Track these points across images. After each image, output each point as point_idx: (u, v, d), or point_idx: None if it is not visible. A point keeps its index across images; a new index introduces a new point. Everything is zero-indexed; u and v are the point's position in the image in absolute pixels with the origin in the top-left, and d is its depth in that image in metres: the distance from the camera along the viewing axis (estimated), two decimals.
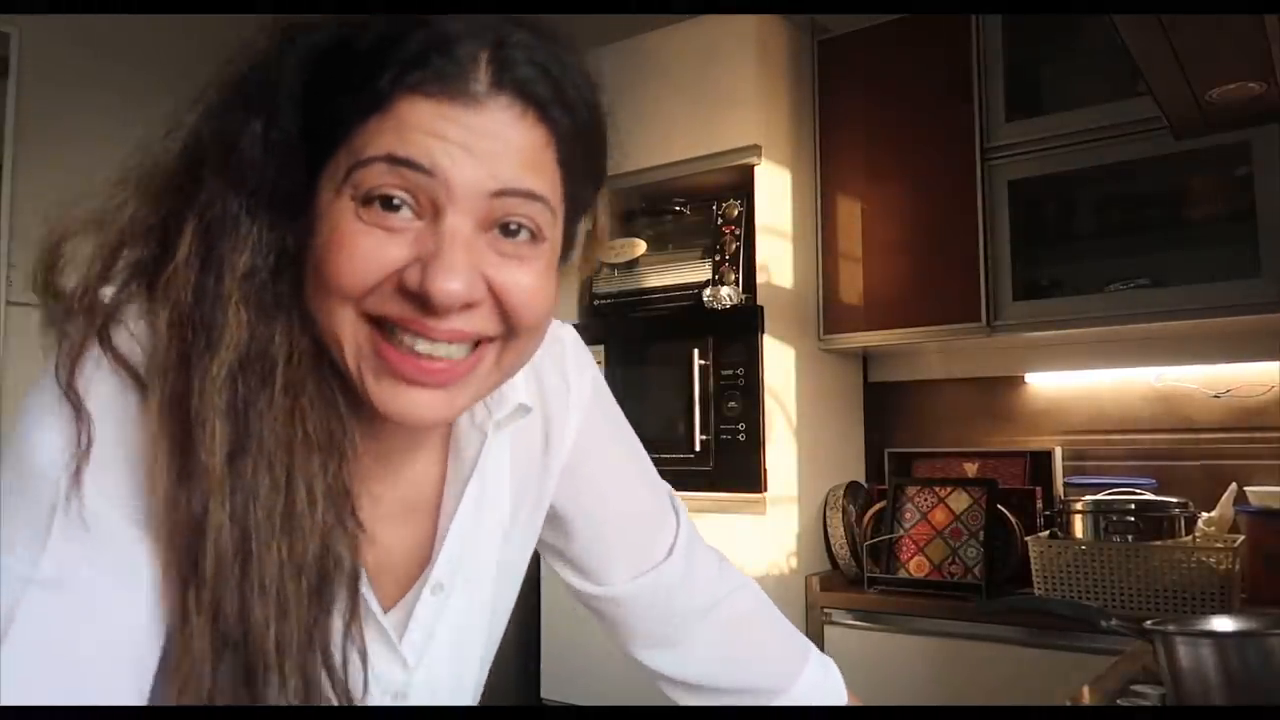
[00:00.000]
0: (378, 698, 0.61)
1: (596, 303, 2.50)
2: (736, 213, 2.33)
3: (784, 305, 2.30)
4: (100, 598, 0.49)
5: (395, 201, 0.51)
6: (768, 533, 2.16)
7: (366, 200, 0.51)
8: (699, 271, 2.35)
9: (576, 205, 0.59)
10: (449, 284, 0.50)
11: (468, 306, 0.53)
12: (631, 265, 2.45)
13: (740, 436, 2.17)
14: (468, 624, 0.68)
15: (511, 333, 0.55)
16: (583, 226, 0.63)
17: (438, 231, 0.51)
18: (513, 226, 0.53)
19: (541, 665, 2.41)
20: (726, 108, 2.29)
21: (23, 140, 2.42)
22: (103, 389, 0.50)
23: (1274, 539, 1.83)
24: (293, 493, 0.51)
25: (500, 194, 0.52)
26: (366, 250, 0.51)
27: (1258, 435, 2.12)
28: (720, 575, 0.84)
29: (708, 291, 2.25)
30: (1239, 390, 2.15)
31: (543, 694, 2.41)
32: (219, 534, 0.49)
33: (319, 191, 0.53)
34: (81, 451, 0.48)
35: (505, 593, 0.73)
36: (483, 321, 0.54)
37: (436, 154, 0.50)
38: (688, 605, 0.81)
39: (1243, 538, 1.86)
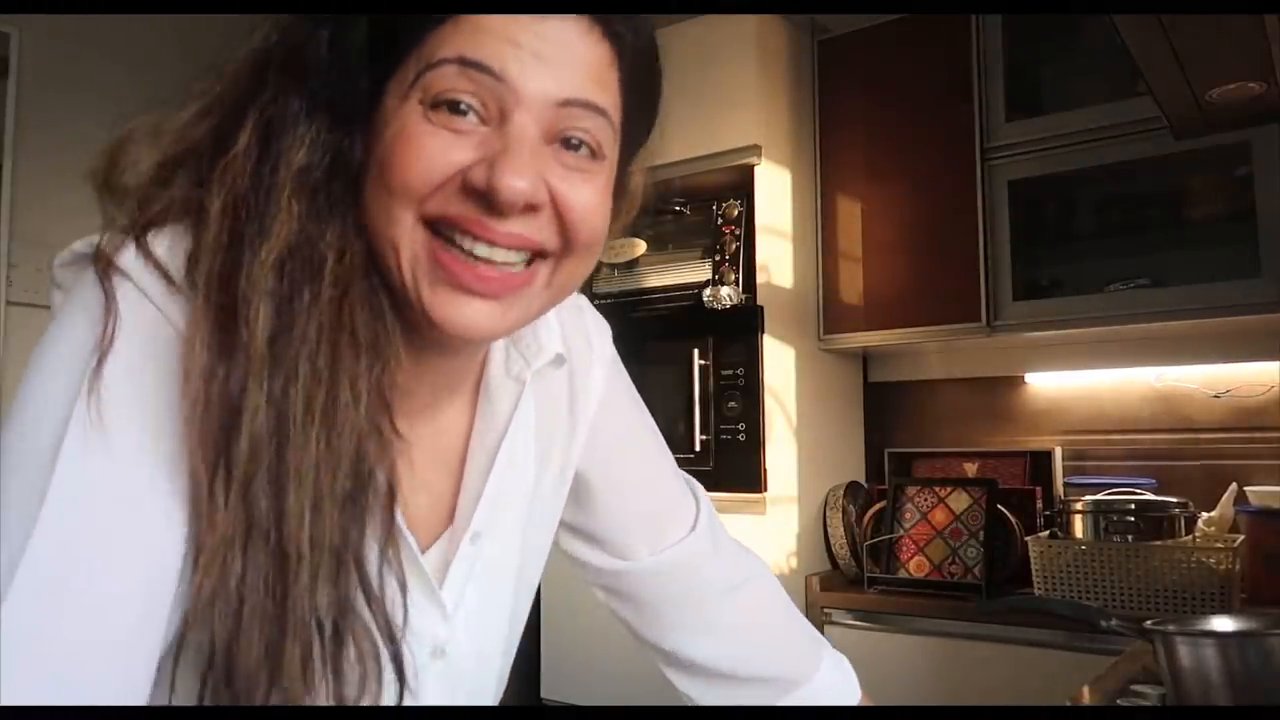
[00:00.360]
0: (418, 651, 0.60)
1: (596, 303, 2.47)
2: (736, 213, 2.33)
3: (784, 305, 2.30)
4: (116, 506, 0.47)
5: (462, 106, 0.51)
6: (768, 533, 2.16)
7: (435, 104, 0.51)
8: (699, 271, 2.36)
9: (633, 136, 0.60)
10: (516, 181, 0.51)
11: (530, 209, 0.53)
12: (631, 265, 2.45)
13: (740, 436, 2.17)
14: (496, 582, 0.67)
15: (567, 248, 0.56)
16: (632, 180, 0.63)
17: (505, 133, 0.52)
18: (575, 141, 0.54)
19: (541, 665, 2.42)
20: (726, 108, 2.29)
21: (22, 140, 2.42)
22: (133, 287, 0.50)
23: (1274, 539, 1.83)
24: (335, 386, 0.50)
25: (567, 103, 0.53)
26: (433, 149, 0.51)
27: (1258, 435, 2.12)
28: (742, 559, 0.84)
29: (708, 291, 2.25)
30: (1239, 390, 2.15)
31: (543, 694, 2.41)
32: (255, 415, 0.48)
33: (385, 98, 0.53)
34: (106, 344, 0.47)
35: (529, 566, 0.72)
36: (541, 230, 0.54)
37: (508, 59, 0.51)
38: (710, 585, 0.80)
39: (1243, 538, 1.86)
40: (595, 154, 0.55)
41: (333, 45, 0.53)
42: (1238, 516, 1.93)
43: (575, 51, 0.53)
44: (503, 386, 0.66)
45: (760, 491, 2.15)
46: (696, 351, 2.22)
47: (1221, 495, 1.97)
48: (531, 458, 0.69)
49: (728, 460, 2.18)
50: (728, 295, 2.23)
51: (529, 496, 0.69)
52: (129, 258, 0.50)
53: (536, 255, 0.55)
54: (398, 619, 0.53)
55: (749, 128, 2.27)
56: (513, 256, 0.54)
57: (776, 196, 2.33)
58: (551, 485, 0.73)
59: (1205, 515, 1.94)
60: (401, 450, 0.55)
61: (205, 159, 0.53)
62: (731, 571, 0.82)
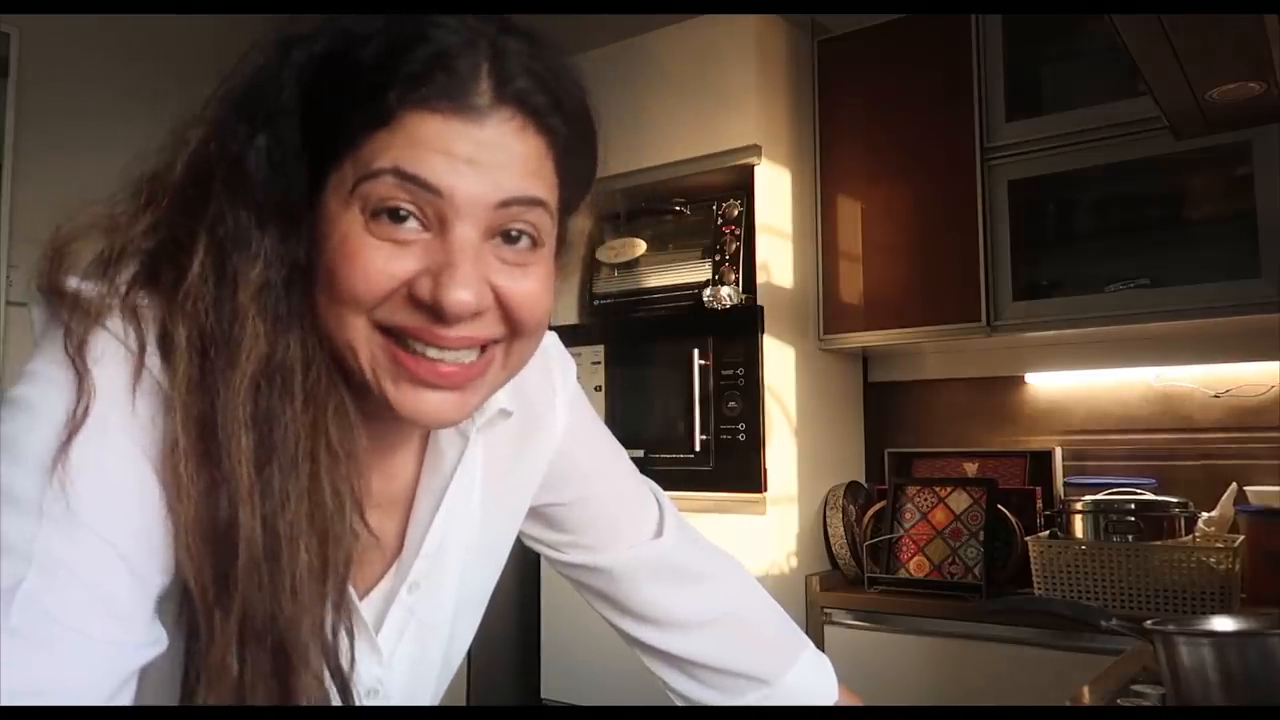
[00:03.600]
0: (359, 693, 0.62)
1: (596, 303, 2.50)
2: (736, 213, 2.33)
3: (784, 305, 2.30)
4: (76, 581, 0.47)
5: (403, 213, 0.52)
6: (768, 533, 2.16)
7: (375, 213, 0.52)
8: (699, 271, 2.35)
9: (570, 207, 0.62)
10: (461, 294, 0.52)
11: (476, 314, 0.54)
12: (631, 265, 2.45)
13: (740, 436, 2.17)
14: (432, 624, 0.69)
15: (515, 334, 0.58)
16: (574, 225, 0.65)
17: (446, 243, 0.53)
18: (514, 233, 0.55)
19: (541, 665, 2.42)
20: (726, 108, 2.29)
21: (23, 141, 2.42)
22: (111, 365, 0.50)
23: (1274, 539, 1.83)
24: (320, 497, 0.53)
25: (505, 204, 0.54)
26: (378, 264, 0.52)
27: (1258, 435, 2.12)
28: (711, 556, 0.87)
29: (708, 291, 2.25)
30: (1239, 390, 2.15)
31: (543, 694, 2.41)
32: (252, 538, 0.50)
33: (326, 201, 0.54)
34: (76, 419, 0.48)
35: (465, 612, 0.73)
36: (489, 326, 0.56)
37: (443, 172, 0.52)
38: (674, 583, 0.83)
39: (1243, 538, 1.86)
40: (536, 243, 0.56)
41: (271, 154, 0.54)
42: (1238, 516, 1.93)
43: (510, 150, 0.54)
44: (450, 439, 0.68)
45: (760, 491, 2.15)
46: (696, 351, 2.22)
47: (1221, 495, 1.97)
48: (476, 508, 0.70)
49: (728, 460, 2.17)
50: (728, 295, 2.23)
51: (471, 547, 0.71)
52: (103, 338, 0.51)
53: (489, 342, 0.57)
54: (345, 667, 0.55)
55: (749, 128, 2.27)
56: (464, 355, 0.56)
57: (776, 196, 2.33)
58: (499, 533, 0.75)
59: (1205, 515, 1.93)
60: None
61: (159, 267, 0.53)
62: (698, 571, 0.85)
